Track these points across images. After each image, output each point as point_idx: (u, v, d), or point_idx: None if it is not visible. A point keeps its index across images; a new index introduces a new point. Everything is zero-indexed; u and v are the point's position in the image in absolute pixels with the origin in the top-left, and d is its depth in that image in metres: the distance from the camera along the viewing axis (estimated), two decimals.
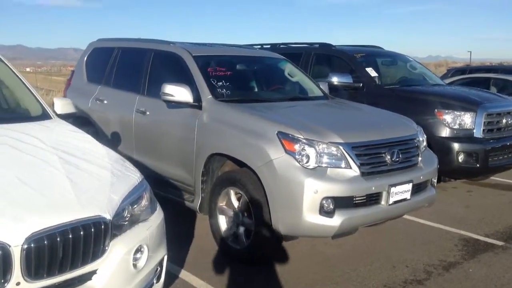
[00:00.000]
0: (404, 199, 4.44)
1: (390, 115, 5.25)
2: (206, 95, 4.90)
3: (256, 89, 5.64)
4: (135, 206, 2.86)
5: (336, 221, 3.98)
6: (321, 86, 6.07)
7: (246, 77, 5.82)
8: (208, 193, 4.76)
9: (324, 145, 4.10)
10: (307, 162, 4.03)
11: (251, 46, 7.82)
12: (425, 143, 5.07)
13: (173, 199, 5.19)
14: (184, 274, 4.25)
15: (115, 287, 2.58)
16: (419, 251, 4.97)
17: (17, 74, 4.09)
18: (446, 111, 6.63)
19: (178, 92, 4.85)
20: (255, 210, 4.23)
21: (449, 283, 4.29)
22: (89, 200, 2.55)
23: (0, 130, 3.28)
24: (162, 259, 3.08)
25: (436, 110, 6.65)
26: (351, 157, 4.13)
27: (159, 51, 5.77)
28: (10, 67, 4.12)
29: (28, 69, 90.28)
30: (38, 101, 3.92)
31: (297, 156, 4.04)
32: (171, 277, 4.18)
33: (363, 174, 4.17)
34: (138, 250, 2.76)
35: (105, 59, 6.60)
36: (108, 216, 2.55)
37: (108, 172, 2.89)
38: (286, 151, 4.07)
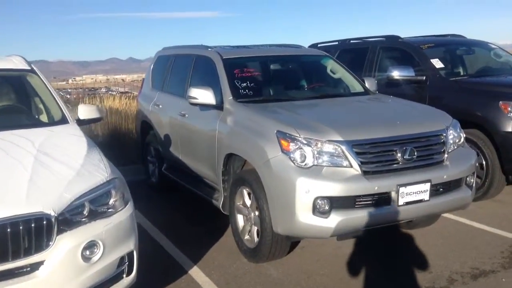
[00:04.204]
0: (421, 200, 4.14)
1: (417, 109, 4.92)
2: (228, 96, 5.03)
3: (284, 89, 5.61)
4: (97, 203, 3.08)
5: (331, 222, 3.87)
6: (366, 82, 5.85)
7: (275, 77, 5.82)
8: (228, 192, 4.89)
9: (322, 144, 4.00)
10: (304, 161, 3.97)
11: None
12: (462, 140, 4.67)
13: (205, 198, 5.40)
14: (194, 271, 4.41)
15: (60, 278, 2.81)
16: (455, 256, 4.60)
17: (47, 85, 4.60)
18: None
19: (201, 95, 5.05)
20: (260, 209, 4.27)
21: None
22: (37, 198, 2.83)
23: (6, 135, 3.74)
24: (130, 255, 3.25)
25: (500, 102, 5.97)
26: (351, 155, 3.98)
27: (199, 56, 6.01)
28: (42, 79, 4.64)
29: None
30: (60, 108, 4.37)
31: (291, 155, 3.99)
32: (180, 272, 4.38)
33: (366, 173, 3.98)
34: (93, 245, 2.97)
35: (164, 67, 7.02)
36: (53, 213, 2.80)
37: (72, 172, 3.15)
38: (282, 151, 4.05)
